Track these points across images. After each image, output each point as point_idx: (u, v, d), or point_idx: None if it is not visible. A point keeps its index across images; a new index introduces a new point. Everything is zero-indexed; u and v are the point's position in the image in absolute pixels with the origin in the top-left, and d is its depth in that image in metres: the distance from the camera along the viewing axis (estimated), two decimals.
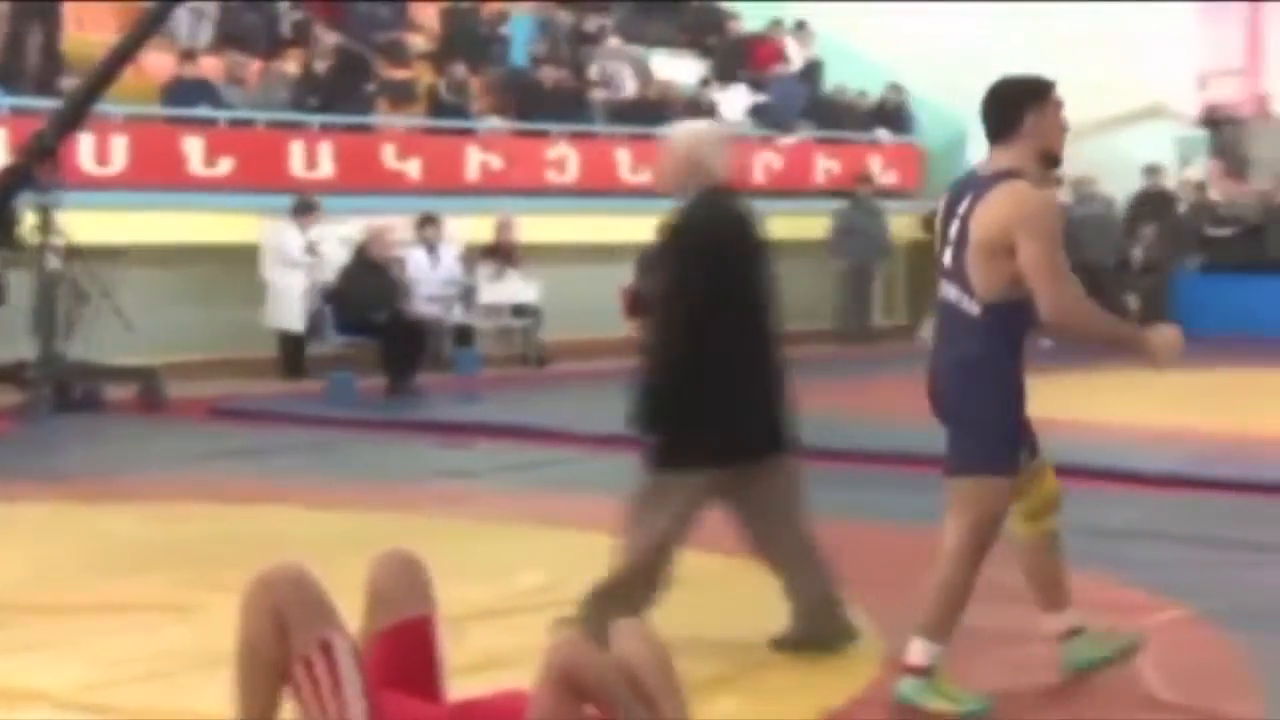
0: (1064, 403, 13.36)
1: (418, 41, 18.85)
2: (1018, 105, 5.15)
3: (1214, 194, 21.25)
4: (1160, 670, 5.48)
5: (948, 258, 5.16)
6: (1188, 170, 21.95)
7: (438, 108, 17.50)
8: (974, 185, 5.13)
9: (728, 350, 5.67)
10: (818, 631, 5.77)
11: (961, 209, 5.10)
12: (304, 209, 15.10)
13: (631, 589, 5.59)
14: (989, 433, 5.14)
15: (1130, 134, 21.97)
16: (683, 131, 6.08)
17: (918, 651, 5.09)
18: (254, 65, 16.76)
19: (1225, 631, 5.99)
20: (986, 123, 5.20)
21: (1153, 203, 20.42)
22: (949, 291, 5.16)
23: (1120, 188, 20.46)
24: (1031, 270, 4.91)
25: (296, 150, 15.98)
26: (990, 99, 5.20)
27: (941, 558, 5.18)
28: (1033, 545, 5.38)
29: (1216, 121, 23.26)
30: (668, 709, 3.85)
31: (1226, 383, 14.29)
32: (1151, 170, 20.57)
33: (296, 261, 14.95)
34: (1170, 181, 20.98)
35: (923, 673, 5.07)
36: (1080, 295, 5.02)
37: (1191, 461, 9.95)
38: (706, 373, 5.62)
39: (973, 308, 5.06)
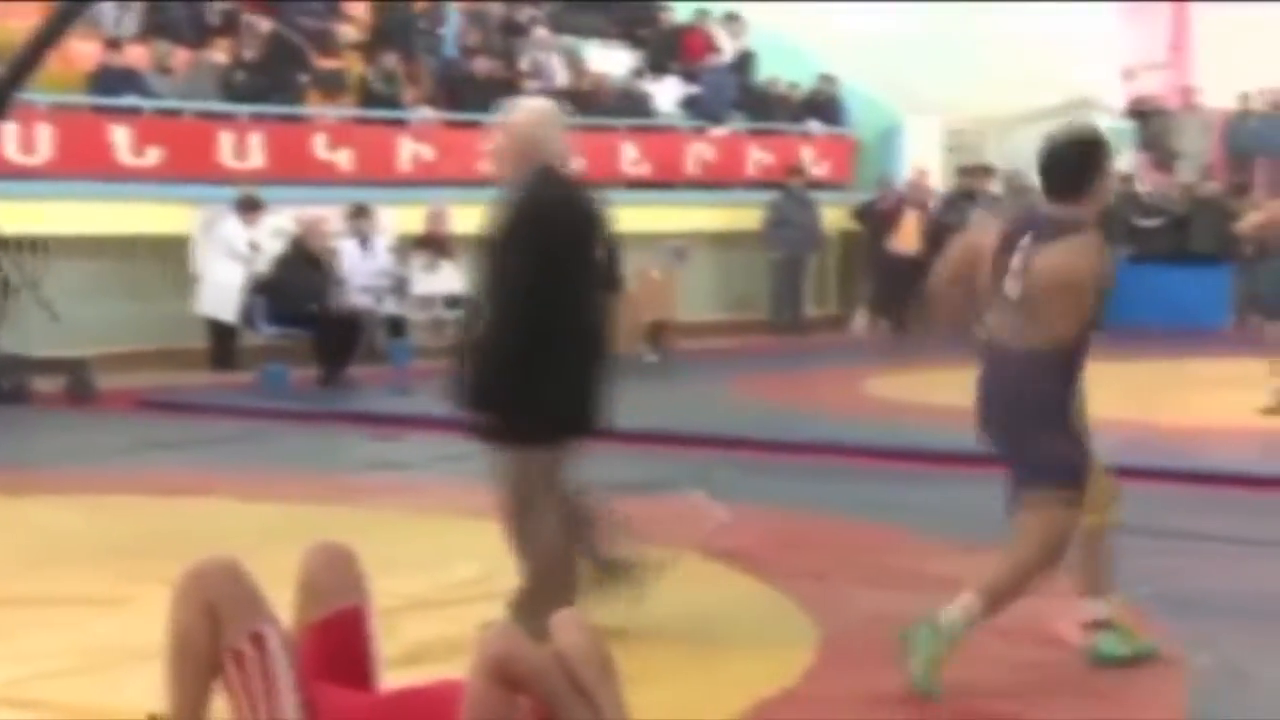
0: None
1: (348, 31, 18.74)
2: (1085, 169, 5.41)
3: (1141, 186, 21.45)
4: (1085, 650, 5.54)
5: (1013, 290, 5.32)
6: (1115, 162, 22.15)
7: (369, 98, 17.41)
8: (1037, 225, 5.38)
9: (556, 331, 5.65)
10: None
11: (1024, 244, 5.31)
12: (250, 206, 15.03)
13: (549, 591, 5.59)
14: (1046, 456, 5.41)
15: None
16: (518, 113, 6.01)
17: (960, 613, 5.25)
18: (181, 54, 16.62)
19: (1156, 619, 6.06)
20: (1052, 179, 5.40)
21: None
22: (1007, 332, 5.35)
23: None
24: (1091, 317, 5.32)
25: (226, 140, 15.85)
26: (1059, 161, 5.42)
27: (1009, 566, 5.40)
28: (1092, 533, 5.56)
29: (1143, 114, 23.47)
30: (603, 700, 3.86)
31: (1154, 372, 14.45)
32: None
33: (240, 255, 14.86)
34: None
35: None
36: None
37: (1121, 451, 10.01)
38: (535, 353, 5.59)
39: (1034, 340, 5.30)
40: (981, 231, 5.63)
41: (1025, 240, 5.32)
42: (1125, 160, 22.50)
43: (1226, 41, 23.39)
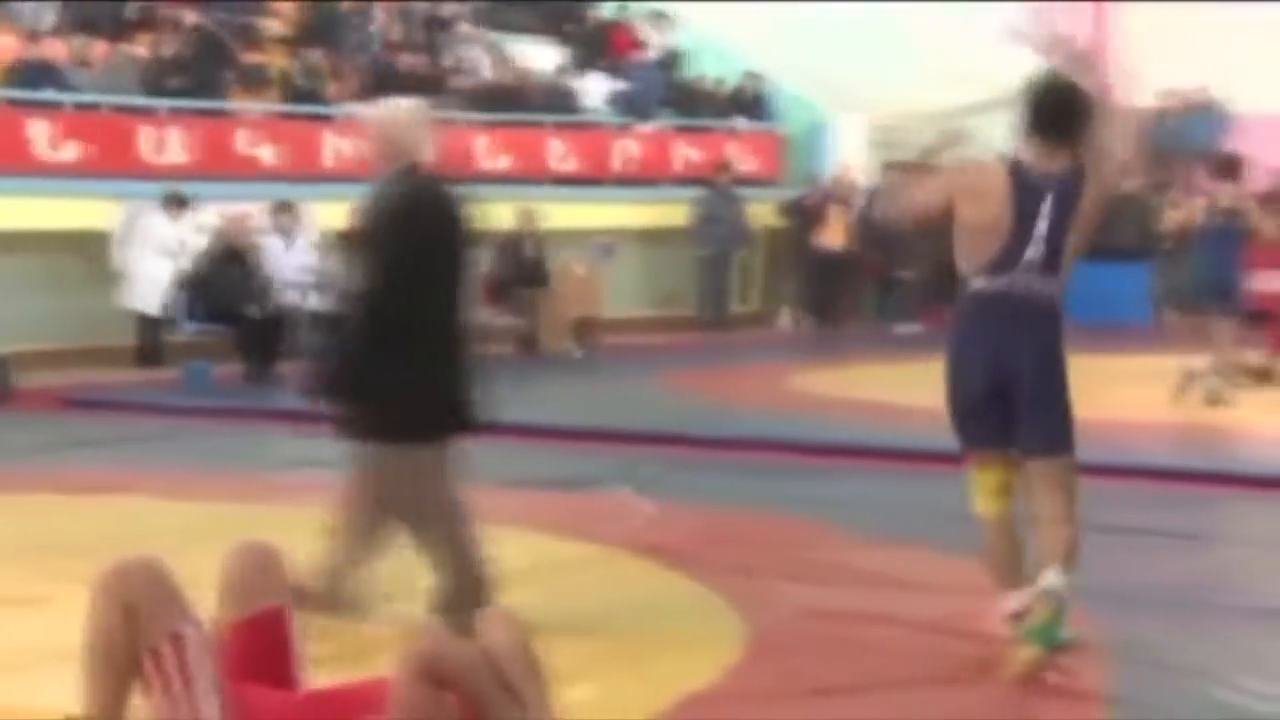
0: (924, 388, 13.55)
1: (271, 26, 18.59)
2: (1088, 115, 5.65)
3: None
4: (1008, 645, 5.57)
5: (1036, 254, 5.49)
6: None
7: (293, 94, 17.27)
8: (1052, 185, 5.51)
9: (419, 327, 5.65)
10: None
11: (1048, 209, 5.48)
12: (177, 202, 14.89)
13: (465, 592, 5.56)
14: (1068, 409, 5.60)
15: (990, 122, 22.26)
16: (381, 111, 6.06)
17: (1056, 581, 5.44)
18: (100, 48, 16.42)
19: (1083, 610, 6.11)
20: (1057, 115, 5.58)
21: None
22: (1035, 284, 5.51)
23: None
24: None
25: (147, 135, 15.69)
26: (1066, 96, 5.67)
27: (1054, 538, 5.51)
28: (1001, 522, 5.66)
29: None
30: (530, 697, 3.84)
31: (1078, 368, 14.54)
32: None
33: (170, 251, 14.72)
34: None
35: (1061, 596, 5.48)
36: None
37: None
38: (397, 349, 5.60)
39: (1055, 291, 5.55)
40: (961, 193, 5.62)
41: (1048, 204, 5.48)
42: None
43: (1146, 41, 23.64)
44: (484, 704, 3.76)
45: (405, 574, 6.66)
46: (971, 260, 5.58)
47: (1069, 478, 5.57)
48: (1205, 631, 5.88)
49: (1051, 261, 5.52)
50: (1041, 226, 5.49)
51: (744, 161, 20.27)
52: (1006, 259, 5.50)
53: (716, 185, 19.21)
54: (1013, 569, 5.61)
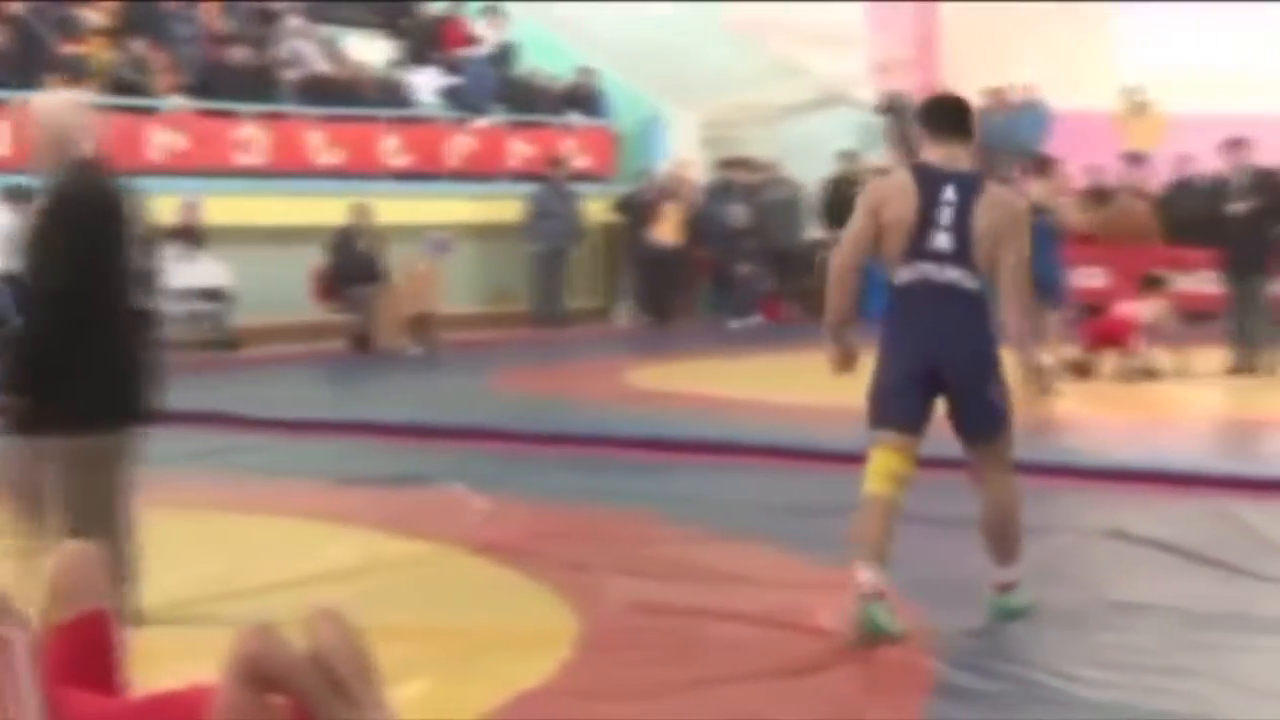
0: (751, 384, 13.68)
1: (92, 16, 18.17)
2: (971, 113, 6.15)
3: None
4: (849, 640, 5.65)
5: (945, 243, 5.83)
6: (870, 156, 22.62)
7: (117, 86, 16.92)
8: (953, 180, 5.90)
9: (90, 319, 5.64)
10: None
11: (950, 199, 5.85)
12: (18, 195, 14.50)
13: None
14: (1004, 392, 5.94)
15: (816, 120, 22.54)
16: (42, 104, 6.07)
17: (1005, 573, 6.03)
18: None
19: (912, 601, 6.20)
20: (954, 120, 6.06)
21: (847, 187, 20.95)
22: (949, 273, 5.85)
23: (807, 172, 20.97)
24: (1015, 261, 5.85)
25: None
26: (958, 104, 6.17)
27: (998, 509, 6.01)
28: (884, 504, 5.93)
29: (893, 109, 24.01)
30: (362, 695, 3.81)
31: None
32: (847, 155, 21.07)
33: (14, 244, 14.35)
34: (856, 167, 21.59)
35: (1013, 585, 6.01)
36: None
37: (863, 438, 10.24)
38: (69, 341, 5.60)
39: (973, 285, 5.85)
40: (874, 205, 5.99)
41: (949, 194, 5.85)
42: (878, 155, 23.02)
43: (972, 39, 24.08)
44: (313, 705, 3.72)
45: (226, 576, 6.58)
46: (890, 256, 5.94)
47: (1006, 451, 5.98)
48: (1035, 621, 6.00)
49: (962, 252, 5.82)
50: (945, 216, 5.83)
51: (578, 157, 20.28)
52: (914, 248, 5.86)
53: (551, 181, 19.20)
54: (880, 547, 5.80)
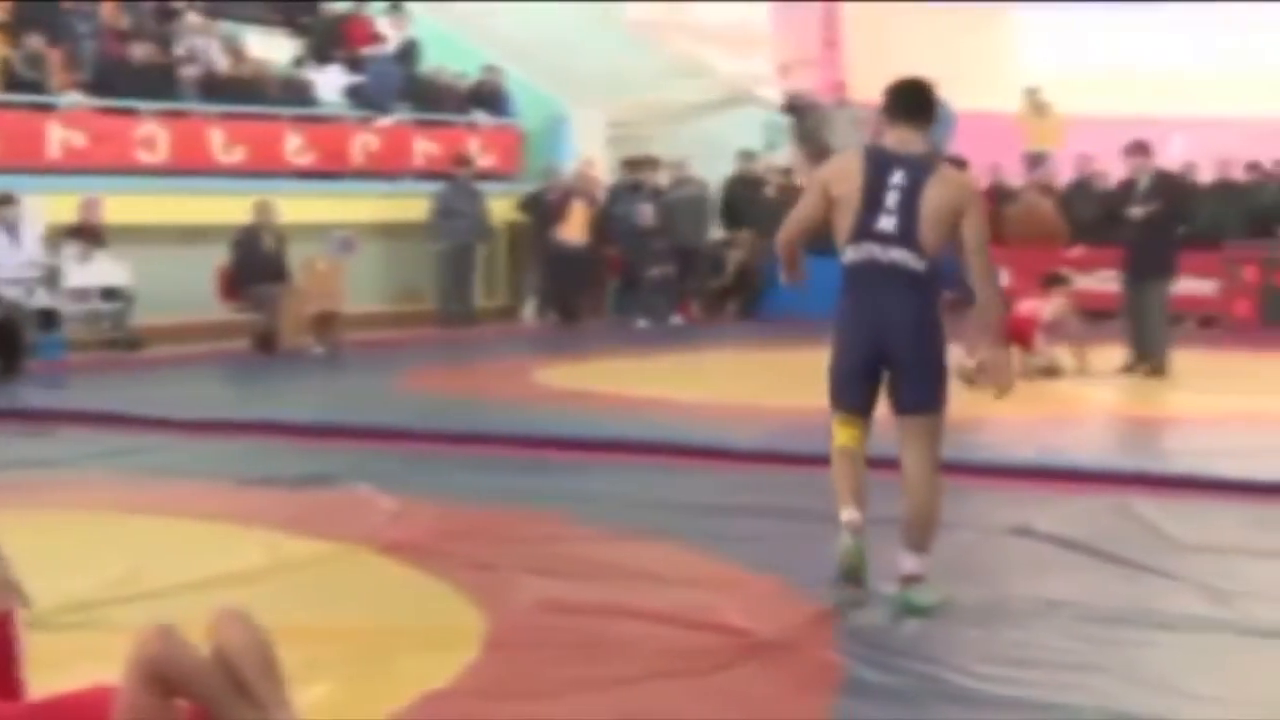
0: (659, 383, 13.70)
1: None
2: (932, 100, 6.34)
3: (799, 179, 22.04)
4: (757, 638, 5.67)
5: (889, 224, 6.08)
6: (774, 155, 22.73)
7: (13, 83, 16.65)
8: (903, 163, 6.14)
9: None
10: None
11: (898, 182, 6.08)
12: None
13: None
14: (943, 372, 6.25)
15: (721, 119, 22.61)
16: None
17: (915, 563, 6.18)
18: None
19: (813, 601, 6.24)
20: (911, 105, 6.28)
21: (746, 186, 21.06)
22: (893, 254, 6.10)
23: (712, 171, 21.04)
24: (978, 235, 6.10)
25: None
26: (917, 88, 6.34)
27: (918, 484, 6.20)
28: (853, 454, 6.29)
29: (797, 109, 24.13)
30: (268, 698, 3.77)
31: (806, 361, 14.86)
32: (745, 155, 21.17)
33: None
34: (760, 166, 21.69)
35: (920, 579, 6.13)
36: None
37: (771, 437, 10.32)
38: None
39: (917, 265, 6.07)
40: (824, 181, 6.31)
41: (896, 177, 6.09)
42: (784, 154, 23.14)
43: (876, 39, 24.26)
44: (214, 707, 3.68)
45: (128, 579, 6.50)
46: (840, 234, 6.22)
47: (935, 432, 6.23)
48: (942, 618, 6.04)
49: (907, 233, 6.07)
50: (891, 199, 6.09)
51: (483, 156, 20.22)
52: (861, 228, 6.13)
53: (456, 179, 19.13)
54: (856, 489, 6.22)
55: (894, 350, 6.13)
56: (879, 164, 6.16)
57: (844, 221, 6.18)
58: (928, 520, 6.21)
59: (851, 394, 6.25)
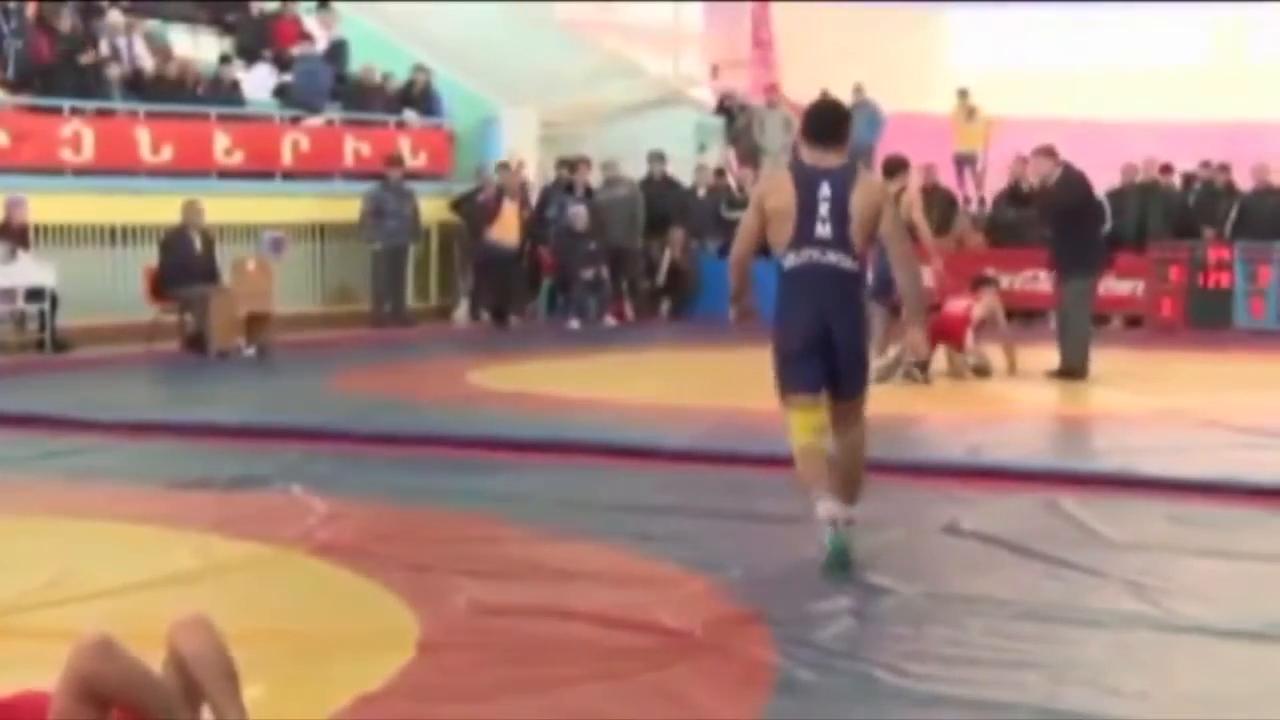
0: (590, 383, 13.70)
1: None
2: (848, 121, 7.17)
3: (731, 179, 22.12)
4: (690, 639, 5.69)
5: (825, 231, 6.81)
6: (706, 156, 22.78)
7: None
8: (828, 175, 6.86)
9: None
10: None
11: (826, 194, 6.80)
12: None
13: None
14: (868, 360, 7.16)
15: (653, 120, 22.64)
16: None
17: (853, 511, 6.84)
18: None
19: (742, 599, 6.27)
20: (828, 128, 6.99)
21: (664, 187, 21.07)
22: (830, 257, 6.82)
23: (643, 172, 21.05)
24: (895, 227, 7.03)
25: None
26: (832, 113, 7.18)
27: (852, 450, 7.00)
28: (817, 451, 6.86)
29: (729, 110, 24.20)
30: (224, 703, 3.76)
31: (746, 361, 14.91)
32: (656, 157, 21.16)
33: None
34: (689, 167, 21.71)
35: (853, 524, 6.77)
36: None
37: (703, 437, 10.34)
38: None
39: (850, 266, 6.85)
40: (759, 199, 7.03)
41: (825, 189, 6.79)
42: (716, 155, 23.20)
43: (807, 40, 24.37)
44: (152, 716, 3.66)
45: (57, 583, 6.44)
46: (778, 242, 6.90)
47: (863, 410, 7.02)
48: (872, 616, 6.08)
49: (841, 238, 6.81)
50: (823, 208, 6.80)
51: (414, 156, 20.16)
52: (800, 236, 6.83)
53: (388, 179, 19.06)
54: (822, 480, 6.80)
55: (835, 340, 6.82)
56: (808, 179, 6.87)
57: (781, 232, 6.86)
58: (861, 478, 7.03)
59: (806, 374, 6.86)
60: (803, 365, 6.85)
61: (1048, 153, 13.83)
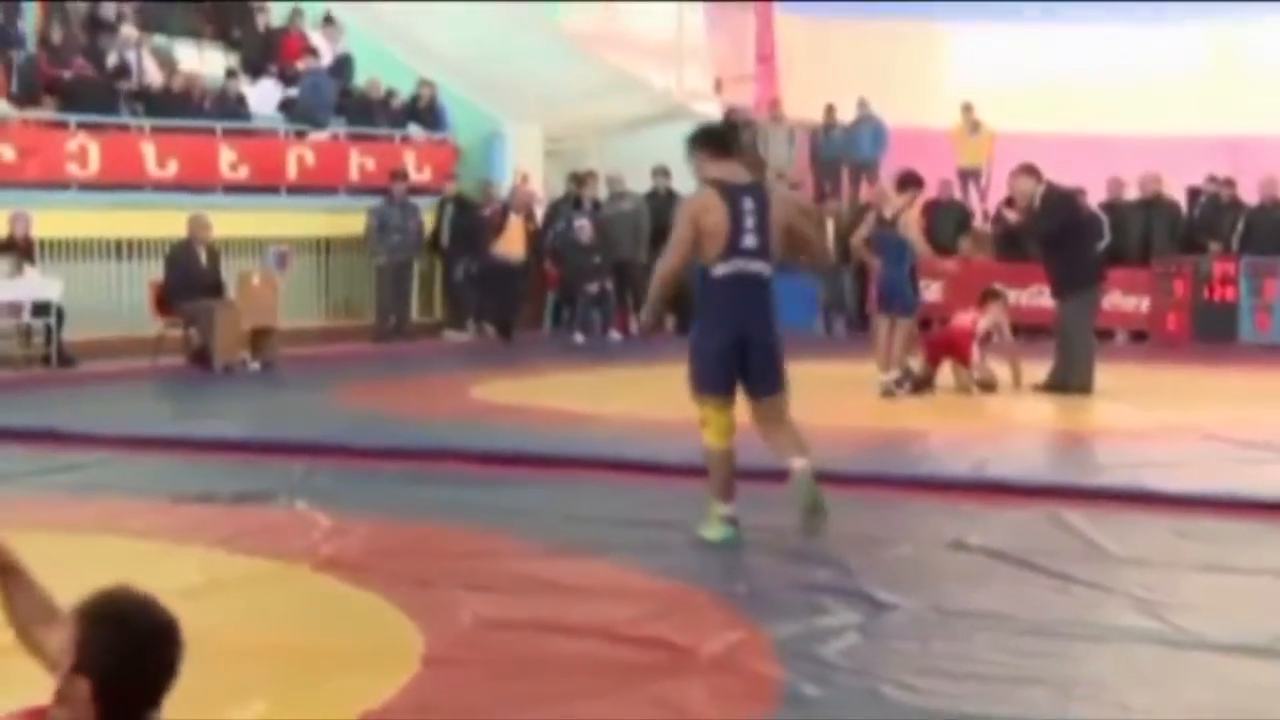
0: (593, 397, 13.70)
1: None
2: (733, 136, 8.20)
3: None
4: (695, 653, 5.68)
5: (752, 242, 7.46)
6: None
7: None
8: (747, 191, 7.59)
9: None
10: None
11: (749, 208, 7.48)
12: None
13: None
14: (783, 359, 7.69)
15: (658, 134, 22.63)
16: None
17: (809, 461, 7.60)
18: None
19: (745, 615, 6.26)
20: (726, 141, 7.79)
21: (662, 202, 21.07)
22: (754, 265, 7.50)
23: (648, 186, 21.05)
24: (800, 214, 8.21)
25: None
26: (723, 129, 8.18)
27: (786, 434, 7.67)
28: (728, 453, 7.63)
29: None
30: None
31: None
32: (661, 171, 21.15)
33: None
34: (694, 181, 21.68)
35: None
36: None
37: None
38: None
39: (769, 274, 7.57)
40: (694, 216, 7.54)
41: (748, 204, 7.45)
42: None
43: (810, 54, 24.39)
44: None
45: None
46: (709, 253, 7.46)
47: (783, 408, 7.67)
48: (872, 632, 6.08)
49: (763, 247, 7.48)
50: (749, 221, 7.44)
51: (419, 171, 20.16)
52: (730, 248, 7.43)
53: (392, 194, 19.07)
54: (730, 484, 7.59)
55: (754, 345, 7.48)
56: (733, 195, 7.50)
57: (713, 245, 7.45)
58: (802, 441, 7.65)
59: (722, 376, 7.53)
60: (720, 367, 7.51)
61: (1029, 171, 13.67)
